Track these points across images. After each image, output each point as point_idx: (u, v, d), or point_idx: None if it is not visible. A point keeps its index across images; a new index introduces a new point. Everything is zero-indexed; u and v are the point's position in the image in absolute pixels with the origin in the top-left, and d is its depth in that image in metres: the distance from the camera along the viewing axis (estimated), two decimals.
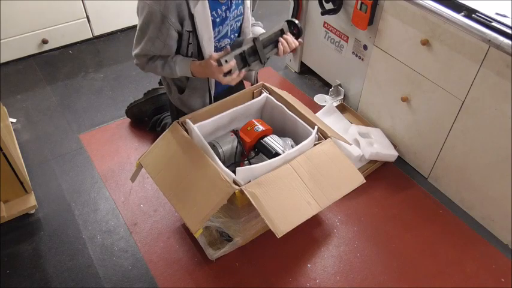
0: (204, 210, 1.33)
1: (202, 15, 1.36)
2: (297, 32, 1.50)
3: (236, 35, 1.55)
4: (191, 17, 1.35)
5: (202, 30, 1.38)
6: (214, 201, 1.32)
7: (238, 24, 1.51)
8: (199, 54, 1.45)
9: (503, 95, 1.50)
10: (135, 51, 1.46)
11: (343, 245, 1.74)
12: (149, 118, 2.18)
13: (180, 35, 1.41)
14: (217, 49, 1.49)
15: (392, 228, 1.79)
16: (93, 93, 2.46)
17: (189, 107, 1.62)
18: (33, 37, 2.59)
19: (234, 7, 1.44)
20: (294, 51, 1.53)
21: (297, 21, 1.48)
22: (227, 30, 1.48)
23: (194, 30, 1.38)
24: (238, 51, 1.38)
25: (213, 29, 1.42)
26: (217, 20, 1.42)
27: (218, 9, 1.40)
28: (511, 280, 1.63)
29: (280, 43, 1.46)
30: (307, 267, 1.66)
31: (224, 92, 1.69)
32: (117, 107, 2.36)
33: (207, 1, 1.35)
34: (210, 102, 1.62)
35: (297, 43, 1.49)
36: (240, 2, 1.46)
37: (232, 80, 1.39)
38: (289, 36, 1.47)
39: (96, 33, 2.83)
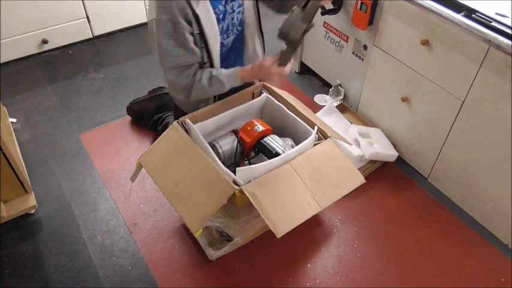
0: (204, 210, 1.33)
1: (206, 15, 1.36)
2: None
3: (240, 28, 1.55)
4: (196, 18, 1.35)
5: (209, 30, 1.39)
6: (214, 201, 1.32)
7: (240, 16, 1.52)
8: (208, 54, 1.45)
9: (503, 95, 1.50)
10: (166, 76, 1.44)
11: (343, 245, 1.74)
12: (150, 117, 2.18)
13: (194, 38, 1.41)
14: (222, 45, 1.49)
15: (392, 228, 1.79)
16: (93, 93, 2.45)
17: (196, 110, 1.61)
18: (33, 37, 2.59)
19: None
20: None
21: None
22: (228, 24, 1.49)
23: (201, 32, 1.39)
24: (290, 48, 1.39)
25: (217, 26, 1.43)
26: (221, 16, 1.43)
27: (220, 6, 1.41)
28: (511, 280, 1.63)
29: None
30: (307, 267, 1.66)
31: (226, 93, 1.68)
32: (117, 107, 2.36)
33: (208, 1, 1.36)
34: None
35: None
36: None
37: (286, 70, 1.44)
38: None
39: (96, 33, 2.83)
